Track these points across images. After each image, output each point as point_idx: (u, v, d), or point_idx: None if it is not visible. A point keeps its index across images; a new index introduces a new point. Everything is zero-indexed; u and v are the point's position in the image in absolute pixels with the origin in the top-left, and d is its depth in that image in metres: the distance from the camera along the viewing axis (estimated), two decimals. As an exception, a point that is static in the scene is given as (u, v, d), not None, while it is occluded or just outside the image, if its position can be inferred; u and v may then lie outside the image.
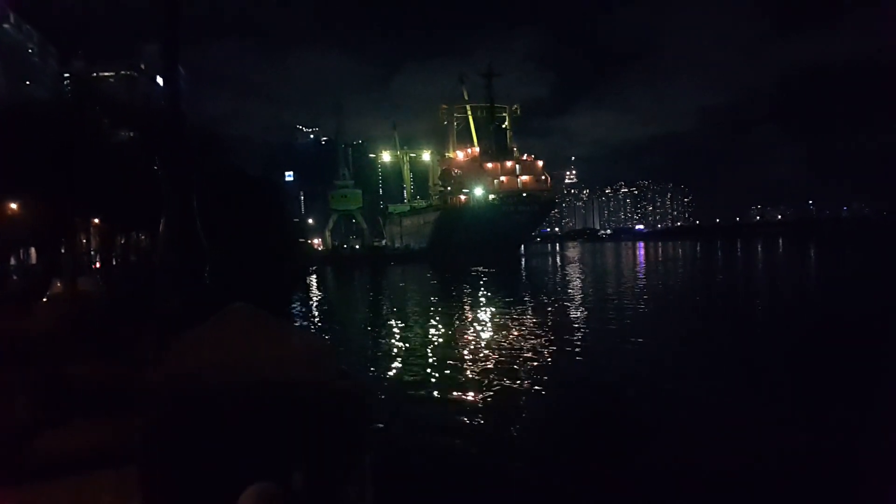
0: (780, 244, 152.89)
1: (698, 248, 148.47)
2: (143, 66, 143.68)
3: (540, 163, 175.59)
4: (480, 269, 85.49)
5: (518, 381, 19.33)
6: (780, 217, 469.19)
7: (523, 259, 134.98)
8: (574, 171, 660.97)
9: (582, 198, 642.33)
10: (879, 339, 23.20)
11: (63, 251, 46.19)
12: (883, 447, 12.15)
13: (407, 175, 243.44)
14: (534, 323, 32.56)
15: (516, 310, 38.55)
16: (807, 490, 10.50)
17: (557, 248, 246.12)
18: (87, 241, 59.85)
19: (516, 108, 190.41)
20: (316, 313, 43.44)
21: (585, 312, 36.57)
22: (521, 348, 24.91)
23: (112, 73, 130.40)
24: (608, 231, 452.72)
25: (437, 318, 36.38)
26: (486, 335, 29.24)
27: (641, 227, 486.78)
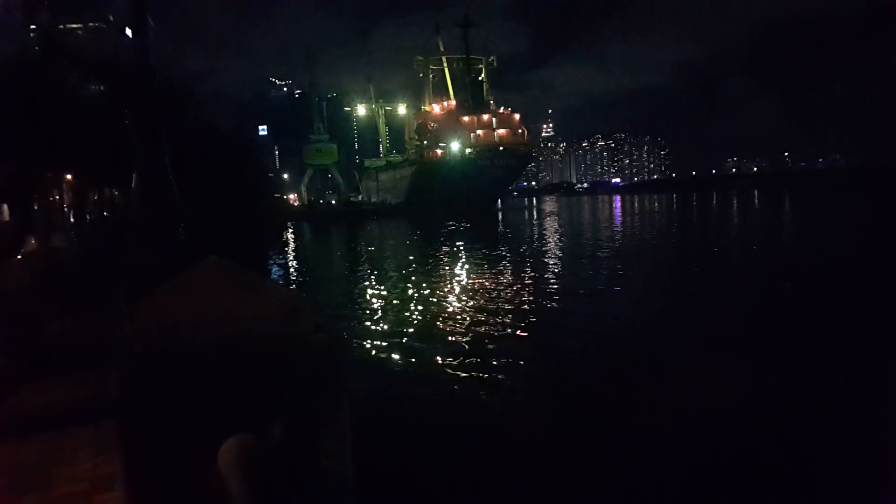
0: (756, 196, 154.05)
1: (674, 201, 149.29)
2: (111, 18, 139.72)
3: (517, 116, 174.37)
4: (456, 224, 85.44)
5: (500, 333, 19.52)
6: (755, 169, 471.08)
7: (500, 213, 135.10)
8: (551, 125, 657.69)
9: (559, 151, 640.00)
10: (844, 285, 23.68)
11: (36, 208, 45.53)
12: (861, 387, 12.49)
13: (383, 129, 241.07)
14: (512, 277, 32.74)
15: (494, 265, 38.72)
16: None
17: (534, 202, 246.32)
18: (60, 197, 58.98)
19: (493, 60, 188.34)
20: (293, 268, 43.31)
21: (563, 266, 36.78)
22: (501, 301, 25.08)
23: (79, 26, 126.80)
24: (585, 184, 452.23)
25: (415, 275, 36.44)
26: (463, 290, 29.37)
27: (618, 180, 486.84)
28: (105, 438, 4.59)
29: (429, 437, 11.50)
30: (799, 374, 13.83)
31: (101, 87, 42.01)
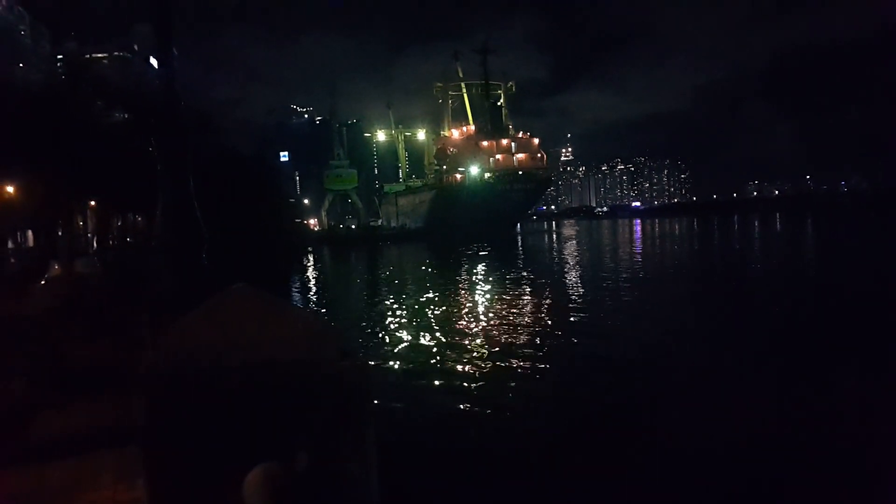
0: (778, 220, 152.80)
1: (695, 225, 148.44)
2: (136, 47, 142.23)
3: (536, 140, 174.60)
4: (476, 248, 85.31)
5: (521, 365, 19.42)
6: (777, 192, 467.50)
7: (519, 237, 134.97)
8: (570, 149, 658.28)
9: (578, 175, 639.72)
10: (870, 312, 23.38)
11: (60, 234, 46.14)
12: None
13: (402, 154, 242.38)
14: (534, 304, 32.62)
15: (515, 292, 38.61)
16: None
17: (553, 226, 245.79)
18: (84, 223, 59.78)
19: (511, 86, 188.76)
20: (314, 293, 43.42)
21: (585, 295, 36.61)
22: (523, 328, 24.99)
23: (105, 55, 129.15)
24: (605, 208, 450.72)
25: (436, 300, 36.38)
26: (486, 315, 29.29)
27: (638, 204, 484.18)
28: (127, 465, 4.57)
29: (454, 465, 11.40)
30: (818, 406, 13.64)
31: (126, 115, 42.66)
